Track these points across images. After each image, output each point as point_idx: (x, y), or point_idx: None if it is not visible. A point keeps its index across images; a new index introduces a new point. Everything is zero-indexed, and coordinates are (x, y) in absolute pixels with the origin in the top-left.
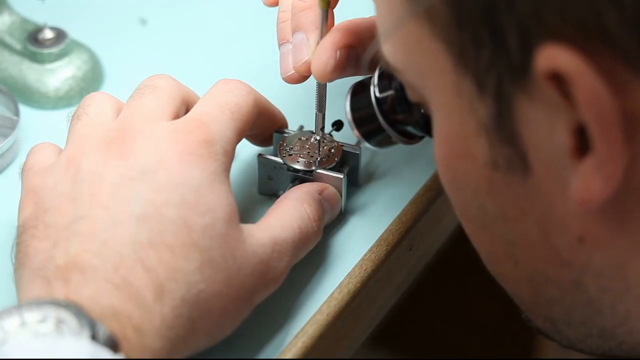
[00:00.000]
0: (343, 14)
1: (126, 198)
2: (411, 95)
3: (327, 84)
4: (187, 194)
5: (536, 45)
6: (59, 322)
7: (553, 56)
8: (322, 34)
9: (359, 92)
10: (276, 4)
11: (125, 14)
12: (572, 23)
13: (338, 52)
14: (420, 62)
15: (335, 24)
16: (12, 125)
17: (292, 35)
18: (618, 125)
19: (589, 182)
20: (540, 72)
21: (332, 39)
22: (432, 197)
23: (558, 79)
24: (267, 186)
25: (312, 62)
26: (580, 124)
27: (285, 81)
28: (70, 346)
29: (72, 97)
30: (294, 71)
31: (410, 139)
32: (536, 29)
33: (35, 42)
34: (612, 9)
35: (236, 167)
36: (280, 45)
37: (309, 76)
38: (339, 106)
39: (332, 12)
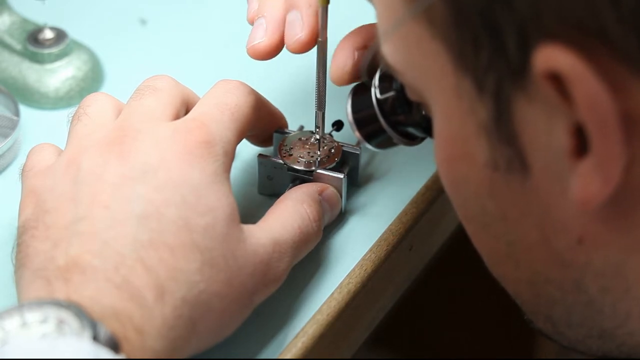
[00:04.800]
0: (343, 14)
1: (126, 198)
2: (411, 95)
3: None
4: (187, 194)
5: (534, 45)
6: (60, 322)
7: (551, 56)
8: (323, 32)
9: (360, 93)
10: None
11: (125, 14)
12: (570, 23)
13: (356, 53)
14: (421, 63)
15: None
16: (12, 126)
17: (287, 14)
18: (616, 126)
19: (587, 182)
20: (539, 72)
21: (350, 40)
22: (432, 197)
23: (556, 79)
24: (267, 186)
25: (331, 66)
26: (579, 125)
27: (248, 52)
28: (71, 346)
29: (72, 97)
30: (260, 41)
31: (411, 140)
32: (534, 29)
33: (35, 42)
34: (610, 9)
35: (236, 167)
36: (256, 18)
37: (276, 52)
38: (339, 106)
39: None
